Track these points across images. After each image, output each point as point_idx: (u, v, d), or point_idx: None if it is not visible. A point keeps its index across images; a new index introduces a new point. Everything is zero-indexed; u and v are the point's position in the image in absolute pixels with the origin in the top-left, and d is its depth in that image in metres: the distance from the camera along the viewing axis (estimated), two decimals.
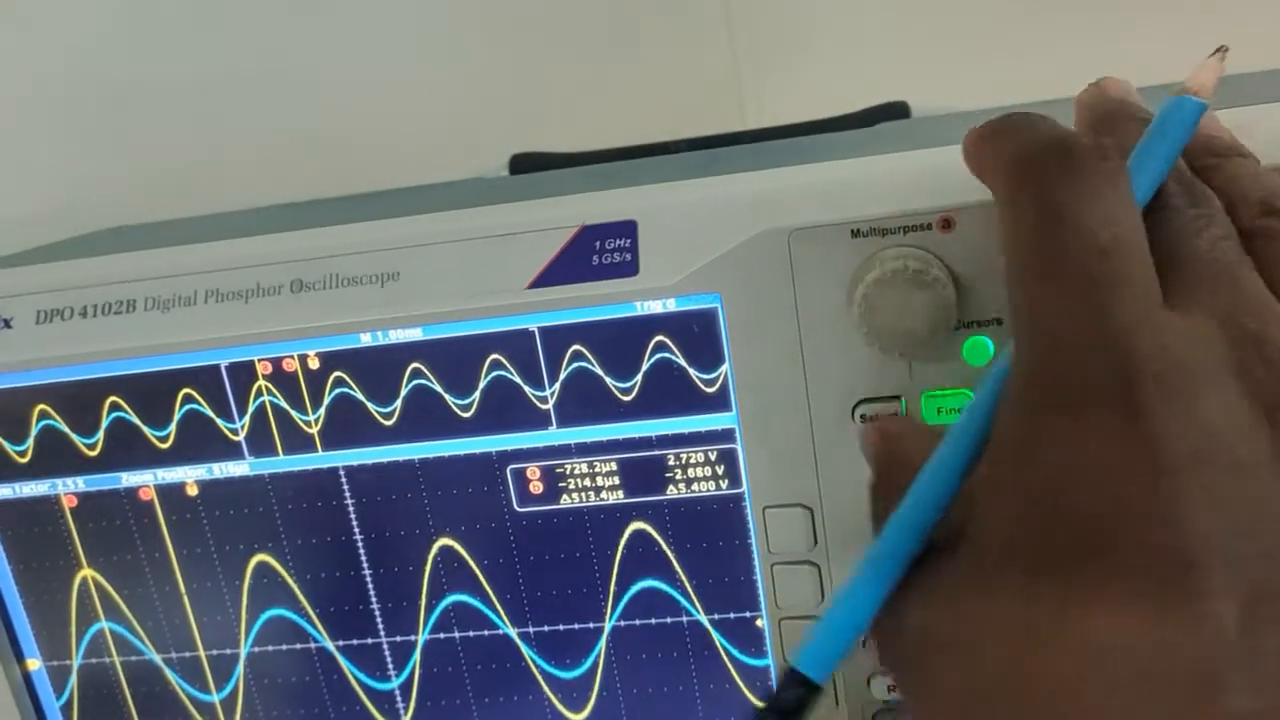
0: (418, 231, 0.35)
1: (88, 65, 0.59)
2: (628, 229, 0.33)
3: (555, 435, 0.35)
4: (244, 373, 0.36)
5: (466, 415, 0.35)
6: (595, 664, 0.37)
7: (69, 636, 0.40)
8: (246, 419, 0.36)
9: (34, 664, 0.40)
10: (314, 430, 0.36)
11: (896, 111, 0.50)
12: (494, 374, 0.35)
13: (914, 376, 0.32)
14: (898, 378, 0.32)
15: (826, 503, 0.33)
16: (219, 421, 0.37)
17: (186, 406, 0.37)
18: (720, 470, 0.35)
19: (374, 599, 0.38)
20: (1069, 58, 0.51)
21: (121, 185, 0.59)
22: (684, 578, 0.36)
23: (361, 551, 0.37)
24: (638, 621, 0.36)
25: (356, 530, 0.37)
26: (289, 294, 0.35)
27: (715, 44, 0.63)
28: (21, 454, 0.38)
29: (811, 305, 0.32)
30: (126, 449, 0.37)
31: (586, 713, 0.38)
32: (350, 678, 0.39)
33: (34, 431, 0.37)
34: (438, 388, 0.35)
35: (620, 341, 0.34)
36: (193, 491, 0.37)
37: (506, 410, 0.35)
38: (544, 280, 0.33)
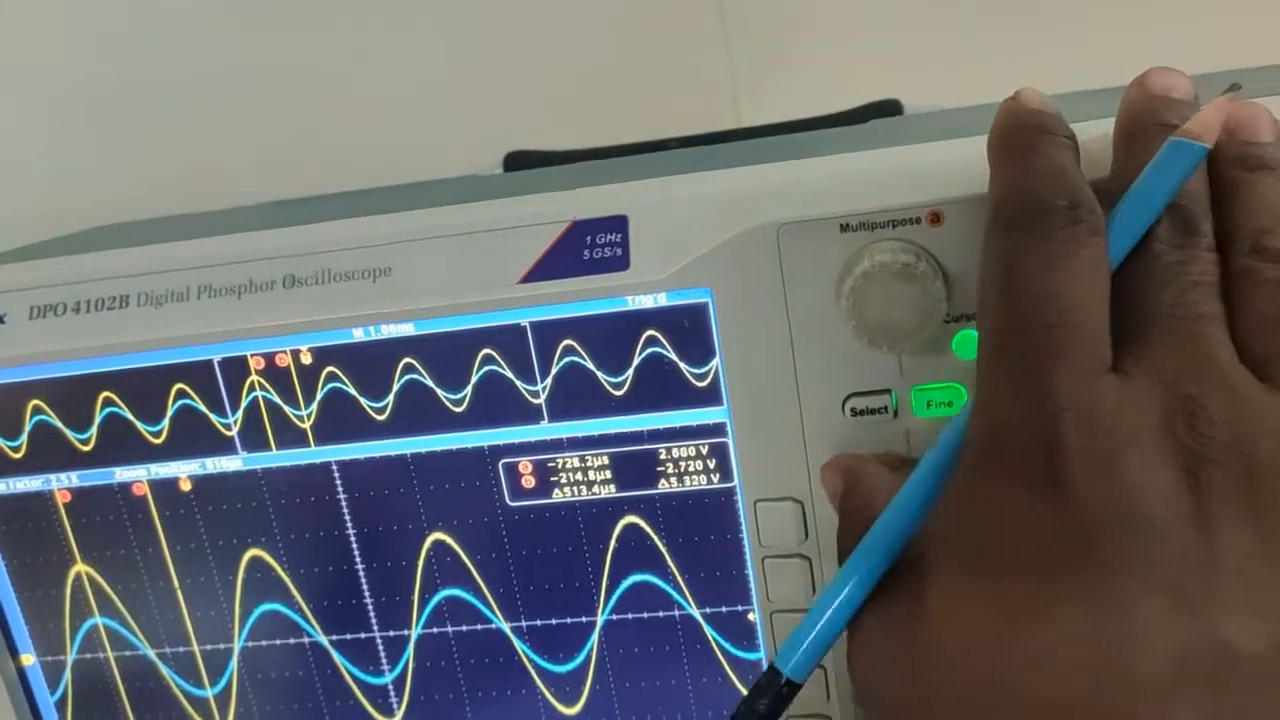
0: (410, 227, 0.35)
1: (83, 65, 0.60)
2: (619, 224, 0.33)
3: (547, 429, 0.35)
4: (237, 368, 0.36)
5: (459, 410, 0.35)
6: (588, 658, 0.37)
7: (63, 632, 0.40)
8: (239, 414, 0.37)
9: (28, 659, 0.40)
10: (307, 425, 0.36)
11: (889, 109, 0.50)
12: (486, 369, 0.35)
13: (904, 370, 0.32)
14: (887, 371, 0.32)
15: (817, 496, 0.34)
16: (212, 416, 0.37)
17: (179, 402, 0.37)
18: (712, 464, 0.35)
19: (367, 593, 0.38)
20: (1064, 54, 0.52)
21: (118, 185, 0.59)
22: (676, 571, 0.36)
23: (354, 546, 0.37)
24: (630, 615, 0.37)
25: (349, 525, 0.37)
26: (281, 289, 0.35)
27: (710, 44, 0.63)
28: (15, 449, 0.38)
29: (801, 299, 0.32)
30: (120, 444, 0.37)
31: (579, 706, 0.38)
32: (344, 672, 0.39)
33: (27, 427, 0.38)
34: (430, 382, 0.35)
35: (611, 336, 0.34)
36: (186, 487, 0.38)
37: (498, 405, 0.35)
38: (535, 275, 0.33)
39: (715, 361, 0.34)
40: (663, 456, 0.35)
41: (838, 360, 0.32)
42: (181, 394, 0.37)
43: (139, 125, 0.60)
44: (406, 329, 0.35)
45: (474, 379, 0.35)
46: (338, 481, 0.37)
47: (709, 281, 0.33)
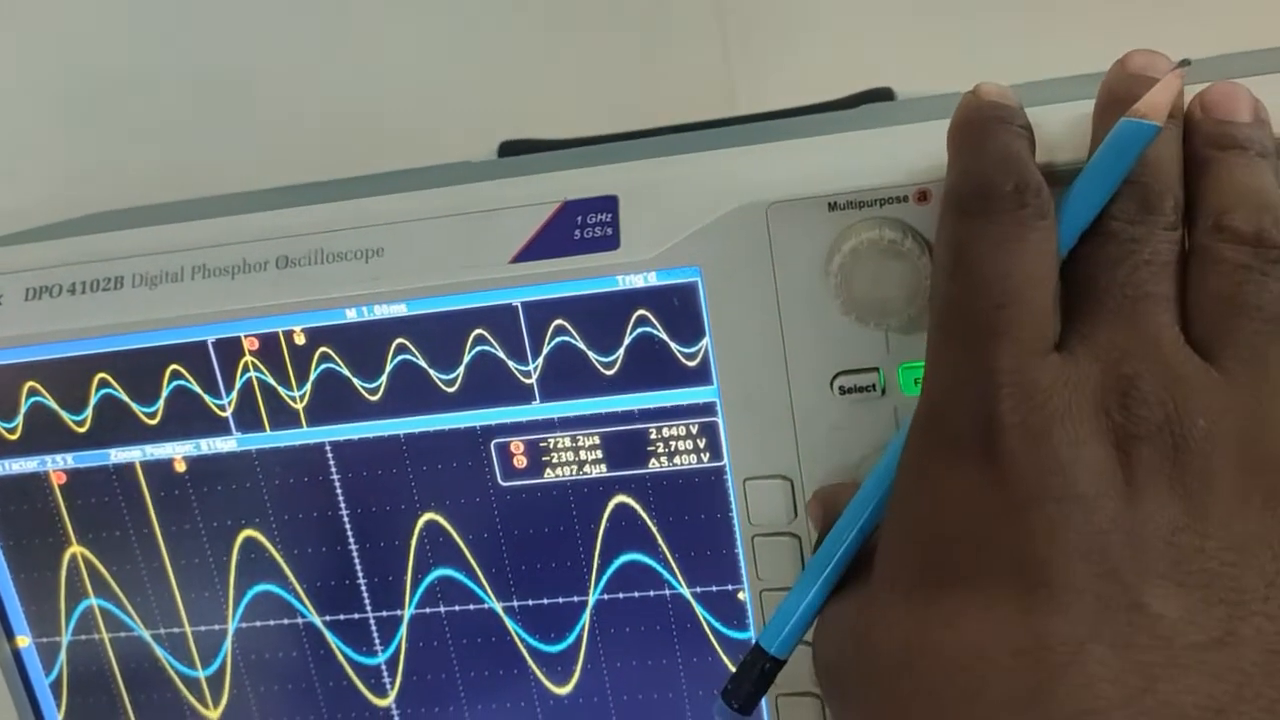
0: (402, 208, 0.35)
1: (80, 58, 0.60)
2: (609, 204, 0.34)
3: (539, 410, 0.35)
4: (231, 349, 0.36)
5: (451, 390, 0.36)
6: (579, 637, 0.37)
7: (58, 613, 0.40)
8: (233, 395, 0.37)
9: (23, 641, 0.40)
10: (300, 406, 0.37)
11: (881, 96, 0.51)
12: (478, 349, 0.35)
13: (891, 348, 0.32)
14: (875, 349, 0.33)
15: (806, 474, 0.34)
16: (206, 397, 0.37)
17: (174, 383, 0.37)
18: (702, 443, 0.35)
19: (360, 574, 0.38)
20: (1056, 42, 0.52)
21: (117, 176, 0.59)
22: (666, 551, 0.36)
23: (348, 526, 0.38)
24: (621, 595, 0.37)
25: (343, 505, 0.37)
26: (275, 270, 0.35)
27: (706, 33, 0.64)
28: (11, 431, 0.38)
29: (790, 278, 0.32)
30: (115, 425, 0.38)
31: (571, 686, 0.38)
32: (337, 652, 0.39)
33: (23, 408, 0.38)
34: (422, 363, 0.36)
35: (602, 316, 0.34)
36: (180, 468, 0.38)
37: (490, 385, 0.35)
38: (527, 255, 0.34)
39: (705, 341, 0.34)
40: (653, 436, 0.35)
41: (826, 338, 0.33)
42: (176, 375, 0.37)
43: (137, 117, 0.61)
44: (399, 309, 0.35)
45: (466, 359, 0.35)
46: (331, 462, 0.37)
47: (698, 260, 0.33)
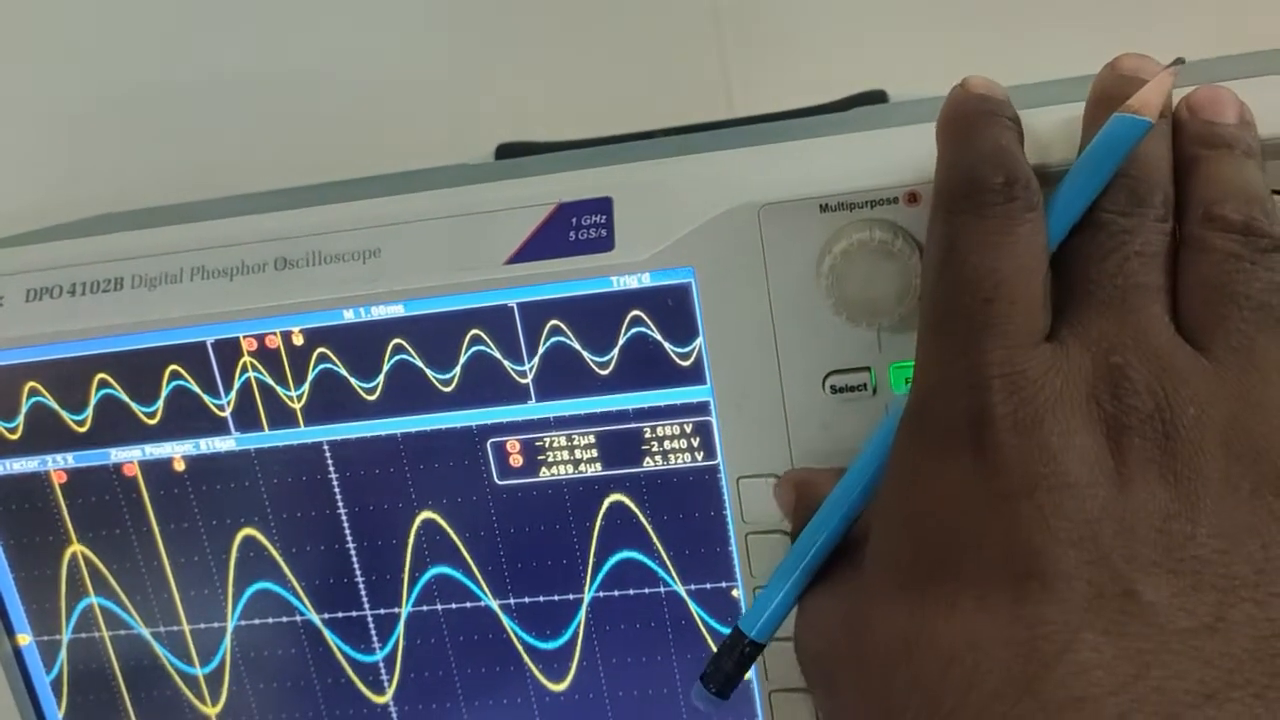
0: (399, 210, 0.35)
1: (81, 63, 0.60)
2: (603, 205, 0.34)
3: (534, 409, 0.36)
4: (229, 349, 0.37)
5: (447, 390, 0.36)
6: (575, 635, 0.38)
7: (59, 612, 0.40)
8: (232, 395, 0.37)
9: (24, 639, 0.41)
10: (298, 406, 0.37)
11: (873, 99, 0.51)
12: (474, 349, 0.36)
13: (882, 347, 0.33)
14: (867, 348, 0.33)
15: None
16: (205, 397, 0.37)
17: (173, 383, 0.37)
18: (695, 442, 0.35)
19: (358, 572, 0.38)
20: (1046, 45, 0.52)
21: (118, 179, 0.60)
22: (661, 549, 0.37)
23: (345, 525, 0.38)
24: (616, 592, 0.37)
25: (340, 504, 0.38)
26: (273, 271, 0.36)
27: (702, 36, 0.64)
28: (11, 430, 0.38)
29: (782, 279, 0.33)
30: (115, 425, 0.38)
31: (566, 683, 0.38)
32: (335, 650, 0.39)
33: (24, 408, 0.38)
34: (419, 363, 0.36)
35: (597, 316, 0.35)
36: (180, 467, 0.38)
37: (486, 385, 0.36)
38: (522, 256, 0.34)
39: (698, 341, 0.34)
40: (647, 435, 0.36)
41: (818, 338, 0.33)
42: (175, 375, 0.37)
43: (136, 121, 0.61)
44: (396, 310, 0.35)
45: (462, 359, 0.36)
46: (329, 461, 0.37)
47: (692, 261, 0.33)
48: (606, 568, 0.37)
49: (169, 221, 0.40)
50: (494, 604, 0.38)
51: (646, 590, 0.37)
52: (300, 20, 0.61)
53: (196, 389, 0.37)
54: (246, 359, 0.37)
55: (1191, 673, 0.21)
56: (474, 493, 0.37)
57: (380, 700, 0.40)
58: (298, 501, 0.38)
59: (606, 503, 0.36)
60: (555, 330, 0.35)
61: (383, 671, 0.39)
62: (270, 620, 0.39)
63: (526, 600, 0.38)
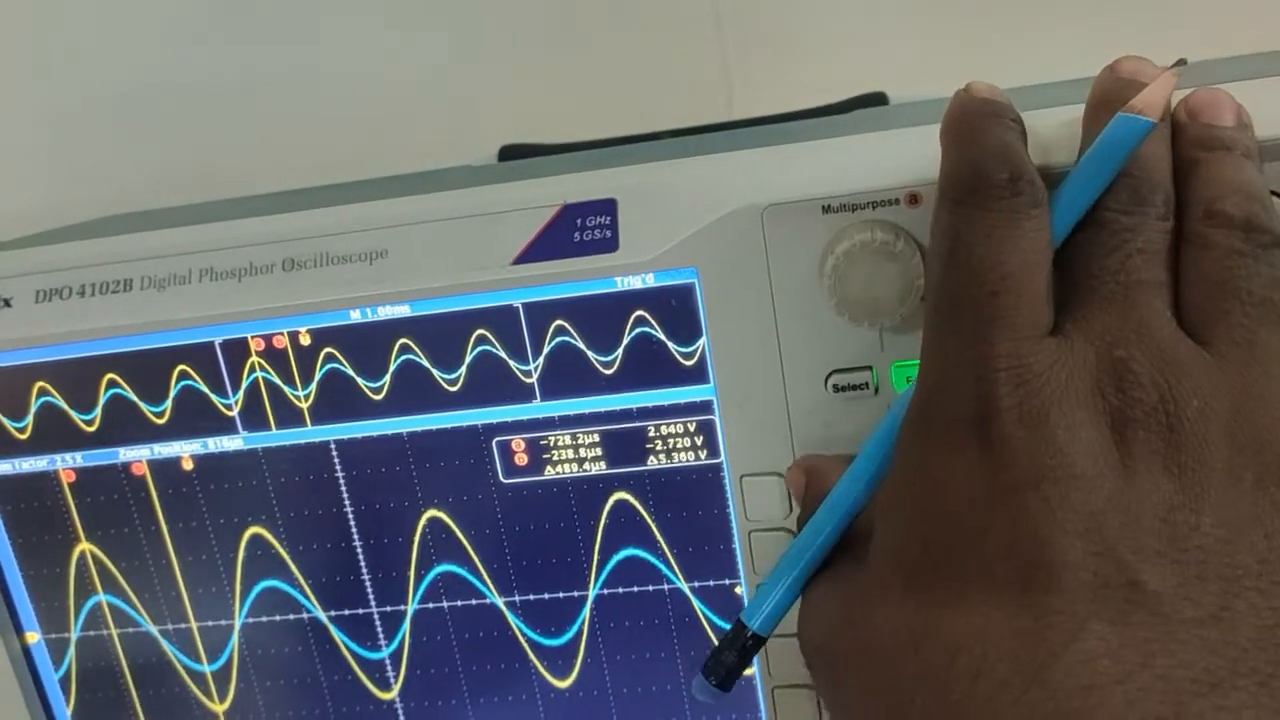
0: (406, 211, 0.36)
1: (89, 64, 0.61)
2: (608, 207, 0.34)
3: (539, 408, 0.36)
4: (237, 349, 0.37)
5: (453, 389, 0.36)
6: (579, 632, 0.38)
7: (67, 609, 0.41)
8: (240, 394, 0.38)
9: (33, 637, 0.41)
10: (305, 405, 0.37)
11: (874, 101, 0.51)
12: (480, 349, 0.36)
13: (884, 347, 0.33)
14: (869, 348, 0.33)
15: None
16: (213, 397, 0.38)
17: (182, 383, 0.38)
18: (699, 441, 0.36)
19: (365, 570, 0.39)
20: (1046, 47, 0.53)
21: (120, 181, 0.60)
22: (665, 546, 0.37)
23: (352, 523, 0.38)
24: (620, 590, 0.38)
25: (347, 503, 0.38)
26: (281, 272, 0.36)
27: (703, 39, 0.64)
28: (21, 430, 0.39)
29: (785, 279, 0.33)
30: (123, 425, 0.38)
31: (571, 680, 0.39)
32: (342, 647, 0.40)
33: (33, 408, 0.39)
34: (425, 363, 0.36)
35: (601, 316, 0.35)
36: (188, 466, 0.39)
37: (492, 384, 0.36)
38: (527, 257, 0.35)
39: (702, 340, 0.35)
40: (651, 434, 0.36)
41: (820, 338, 0.33)
42: (184, 375, 0.38)
43: (144, 123, 0.61)
44: (402, 310, 0.36)
45: (468, 359, 0.36)
46: (336, 460, 0.38)
47: (695, 262, 0.34)
48: (611, 565, 0.37)
49: (177, 223, 0.40)
50: (499, 601, 0.38)
51: (650, 587, 0.37)
52: (301, 22, 0.62)
53: (205, 389, 0.38)
54: (254, 359, 0.37)
55: (1197, 661, 0.22)
56: (479, 491, 0.37)
57: (386, 697, 0.40)
58: (305, 500, 0.38)
59: (611, 501, 0.37)
60: (560, 330, 0.35)
61: (389, 668, 0.40)
62: (277, 618, 0.40)
63: (531, 597, 0.38)
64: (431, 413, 0.37)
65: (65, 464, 0.39)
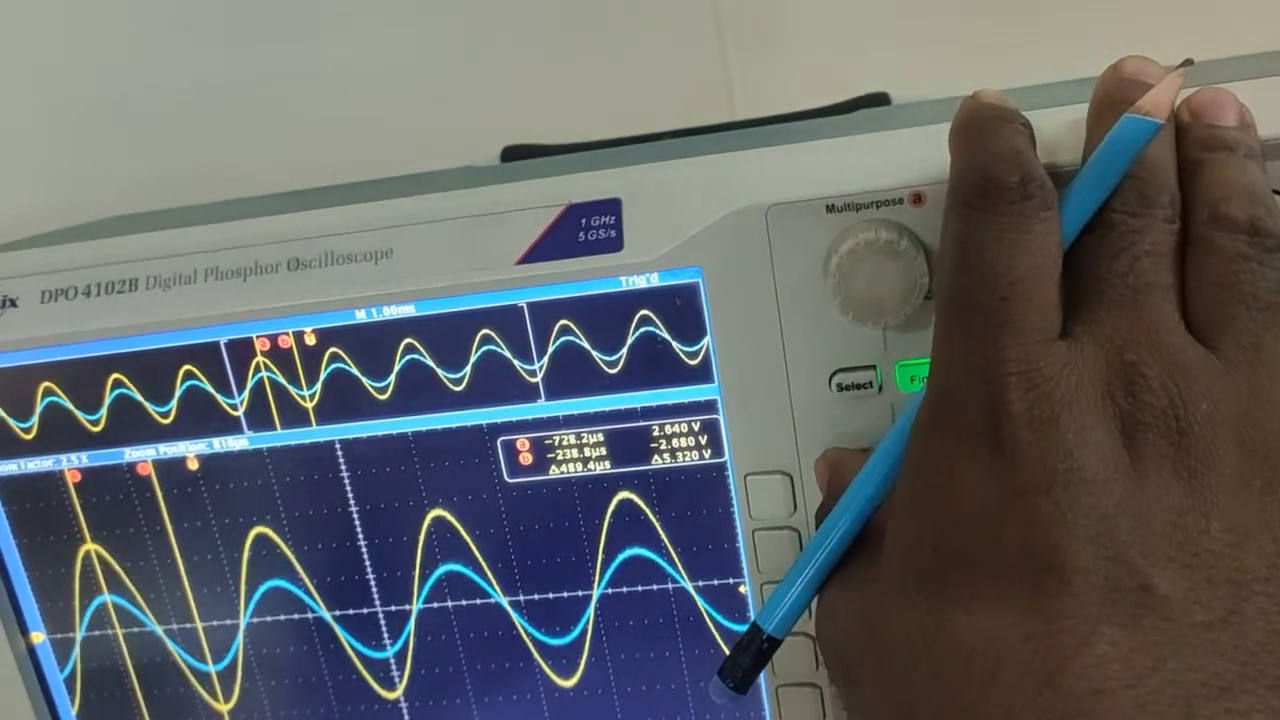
0: (411, 211, 0.36)
1: (94, 66, 0.61)
2: (612, 206, 0.34)
3: (544, 408, 0.36)
4: (243, 349, 0.37)
5: (458, 389, 0.37)
6: (584, 631, 0.38)
7: (73, 610, 0.41)
8: (245, 394, 0.38)
9: (38, 637, 0.41)
10: (310, 405, 0.37)
11: (876, 101, 0.52)
12: (484, 348, 0.36)
13: (888, 346, 0.33)
14: (872, 347, 0.33)
15: (806, 469, 0.35)
16: (218, 397, 0.38)
17: (187, 383, 0.38)
18: (703, 440, 0.36)
19: (369, 569, 0.39)
20: (1048, 48, 0.53)
21: (130, 179, 0.60)
22: (669, 545, 0.37)
23: (357, 523, 0.38)
24: (625, 589, 0.38)
25: (352, 502, 0.38)
26: (286, 272, 0.36)
27: (704, 39, 0.65)
28: (26, 430, 0.39)
29: (789, 278, 0.33)
30: (129, 425, 0.38)
31: (576, 679, 0.39)
32: (346, 647, 0.40)
33: (39, 408, 0.39)
34: (430, 362, 0.36)
35: (606, 316, 0.35)
36: (193, 466, 0.39)
37: (496, 383, 0.36)
38: (532, 256, 0.35)
39: (706, 340, 0.35)
40: (656, 433, 0.36)
41: (824, 337, 0.33)
42: (189, 375, 0.38)
43: (149, 123, 0.61)
44: (407, 310, 0.36)
45: (473, 358, 0.36)
46: (341, 460, 0.38)
47: (700, 261, 0.34)
48: (615, 565, 0.37)
49: (182, 223, 0.40)
50: (504, 601, 0.38)
51: (655, 587, 0.37)
52: (303, 23, 0.62)
53: (210, 389, 0.38)
54: (259, 359, 0.37)
55: (1207, 665, 0.22)
56: (484, 491, 0.37)
57: (391, 696, 0.40)
58: (310, 500, 0.38)
59: (615, 500, 0.37)
60: (564, 330, 0.35)
61: (393, 668, 0.40)
62: (282, 617, 0.40)
63: (536, 597, 0.38)
64: (436, 412, 0.37)
65: (71, 464, 0.39)
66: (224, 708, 0.41)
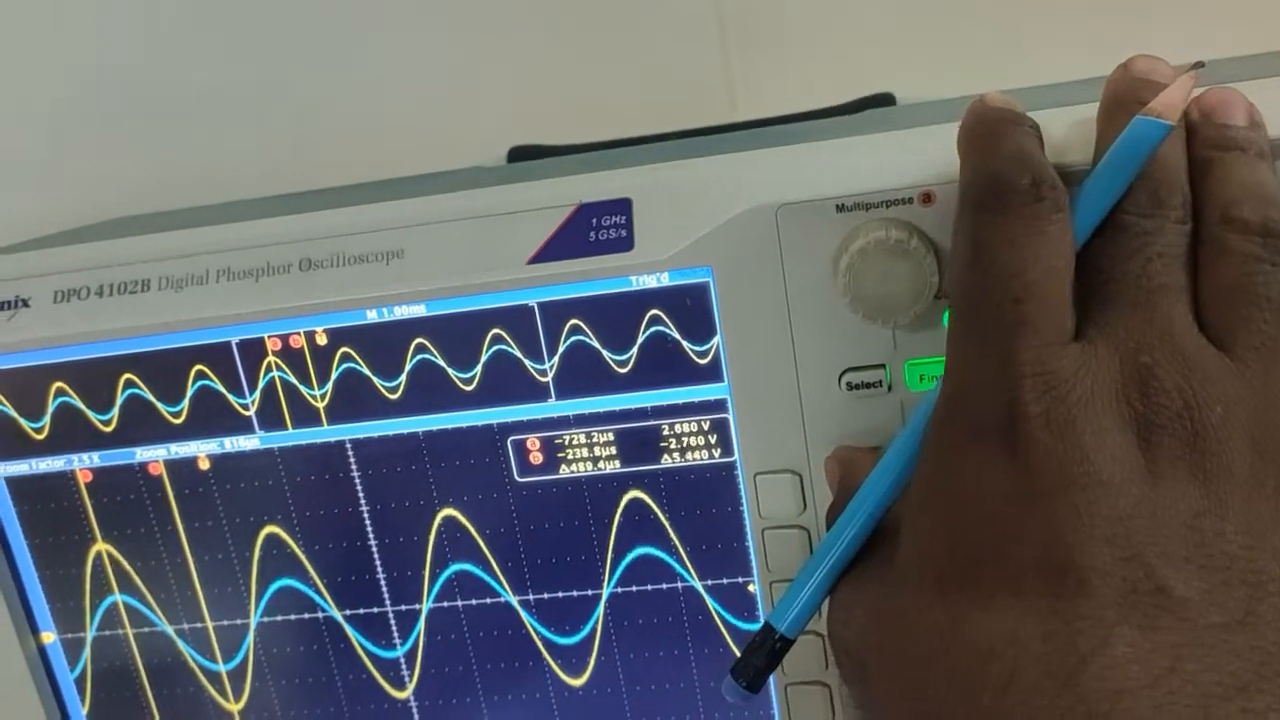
0: (421, 211, 0.36)
1: (105, 68, 0.61)
2: (623, 206, 0.35)
3: (554, 407, 0.36)
4: (254, 349, 0.37)
5: (469, 388, 0.37)
6: (594, 630, 0.38)
7: (83, 609, 0.41)
8: (257, 394, 0.38)
9: (49, 637, 0.41)
10: (321, 404, 0.38)
11: (882, 101, 0.52)
12: (495, 348, 0.36)
13: (897, 345, 0.33)
14: (882, 346, 0.34)
15: (815, 468, 0.35)
16: (230, 397, 0.38)
17: (199, 383, 0.38)
18: (713, 439, 0.36)
19: (380, 569, 0.39)
20: (1054, 48, 0.53)
21: (142, 180, 0.60)
22: (679, 544, 0.37)
23: (367, 522, 0.39)
24: (634, 588, 0.38)
25: (363, 502, 0.38)
26: (298, 272, 0.36)
27: (706, 40, 0.65)
28: (38, 430, 0.39)
29: (799, 278, 0.33)
30: (140, 425, 0.39)
31: (585, 678, 0.39)
32: (357, 646, 0.40)
33: (50, 408, 0.39)
34: (441, 362, 0.37)
35: (616, 315, 0.35)
36: (204, 465, 0.39)
37: (507, 383, 0.36)
38: (543, 256, 0.35)
39: (716, 339, 0.35)
40: (665, 432, 0.36)
41: (834, 336, 0.34)
42: (201, 375, 0.38)
43: (161, 125, 0.62)
44: (418, 310, 0.36)
45: (484, 358, 0.36)
46: (351, 460, 0.38)
47: (710, 261, 0.34)
48: (625, 564, 0.38)
49: (194, 224, 0.40)
50: (513, 600, 0.39)
51: (664, 586, 0.38)
52: (305, 24, 0.62)
53: (221, 389, 0.38)
54: (271, 359, 0.37)
55: (1223, 666, 0.22)
56: (494, 490, 0.38)
57: (401, 696, 0.40)
58: (320, 499, 0.39)
59: (625, 499, 0.37)
60: (575, 329, 0.36)
61: (404, 667, 0.40)
62: (293, 617, 0.40)
63: (546, 596, 0.38)
64: (447, 412, 0.37)
65: (82, 464, 0.39)
66: (234, 707, 0.41)
